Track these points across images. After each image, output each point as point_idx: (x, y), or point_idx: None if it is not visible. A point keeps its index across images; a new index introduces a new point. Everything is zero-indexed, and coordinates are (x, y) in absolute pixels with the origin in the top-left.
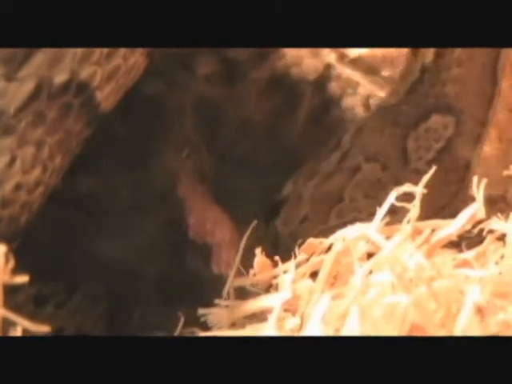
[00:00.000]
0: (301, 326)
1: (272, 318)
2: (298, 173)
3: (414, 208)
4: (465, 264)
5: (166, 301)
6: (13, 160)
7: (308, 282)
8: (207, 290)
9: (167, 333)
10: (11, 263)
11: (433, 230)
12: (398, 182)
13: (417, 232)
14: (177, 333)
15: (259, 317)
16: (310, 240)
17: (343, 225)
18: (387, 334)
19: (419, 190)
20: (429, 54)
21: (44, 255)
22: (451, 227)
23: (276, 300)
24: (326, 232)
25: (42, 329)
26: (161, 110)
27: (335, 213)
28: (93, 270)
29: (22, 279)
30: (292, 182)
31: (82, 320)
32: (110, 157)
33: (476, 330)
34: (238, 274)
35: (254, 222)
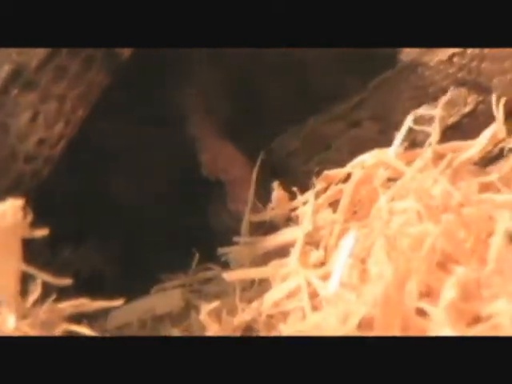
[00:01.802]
0: (325, 258)
1: (295, 252)
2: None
3: (434, 131)
4: (490, 187)
5: (179, 240)
6: (36, 115)
7: (329, 212)
8: (224, 228)
9: (183, 273)
10: (29, 217)
11: (453, 152)
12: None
13: (437, 156)
14: (192, 269)
15: (280, 252)
16: (326, 172)
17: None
18: (416, 265)
19: (438, 112)
20: None
21: (58, 199)
22: (473, 148)
23: (297, 233)
24: (307, 174)
25: (62, 281)
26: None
27: (318, 159)
28: (106, 212)
29: (42, 233)
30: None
31: (97, 261)
32: (119, 98)
33: (509, 257)
34: (255, 209)
35: (262, 154)
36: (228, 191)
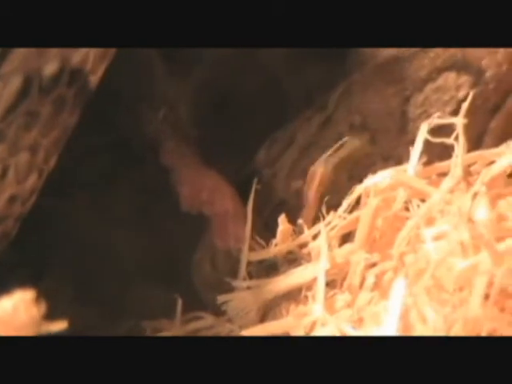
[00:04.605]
0: (352, 302)
1: (318, 296)
2: (273, 137)
3: (459, 143)
4: None
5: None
6: (5, 170)
7: (348, 246)
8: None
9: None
10: (42, 308)
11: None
12: (390, 159)
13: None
14: (177, 319)
15: (294, 297)
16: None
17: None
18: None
19: (460, 121)
20: None
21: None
22: (506, 157)
23: (317, 272)
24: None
25: None
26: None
27: None
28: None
29: (61, 326)
30: (265, 148)
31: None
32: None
33: None
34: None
35: (255, 181)
36: (214, 227)
